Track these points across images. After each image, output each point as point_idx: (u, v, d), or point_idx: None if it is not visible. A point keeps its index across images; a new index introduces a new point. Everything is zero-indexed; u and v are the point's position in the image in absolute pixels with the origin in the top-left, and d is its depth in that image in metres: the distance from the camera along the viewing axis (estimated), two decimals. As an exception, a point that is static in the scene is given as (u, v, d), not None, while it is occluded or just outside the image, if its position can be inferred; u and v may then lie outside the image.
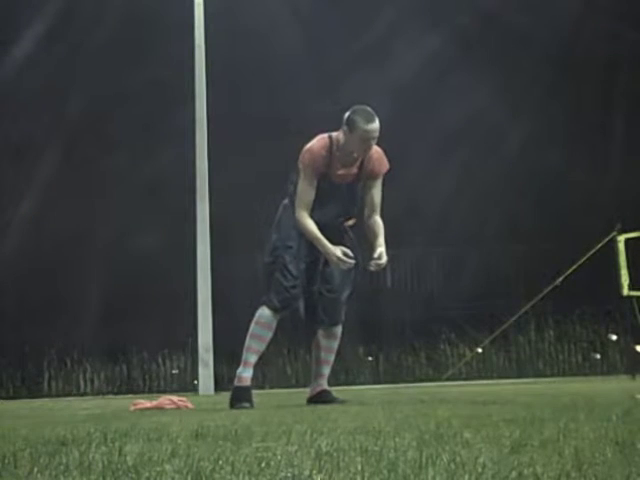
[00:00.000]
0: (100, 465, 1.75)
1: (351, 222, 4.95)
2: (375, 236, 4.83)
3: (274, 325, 4.78)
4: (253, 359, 4.77)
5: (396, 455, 1.77)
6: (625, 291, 11.03)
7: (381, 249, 4.73)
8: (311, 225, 4.70)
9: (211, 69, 11.84)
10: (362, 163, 4.79)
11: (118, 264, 14.84)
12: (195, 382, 12.13)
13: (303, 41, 15.38)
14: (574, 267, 12.01)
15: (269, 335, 4.79)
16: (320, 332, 4.95)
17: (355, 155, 4.71)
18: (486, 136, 16.24)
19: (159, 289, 14.49)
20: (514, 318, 13.20)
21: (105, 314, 14.22)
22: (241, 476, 1.57)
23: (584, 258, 11.93)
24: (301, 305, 4.81)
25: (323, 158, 4.72)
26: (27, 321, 14.51)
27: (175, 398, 5.34)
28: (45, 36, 15.03)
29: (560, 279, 12.07)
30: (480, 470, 1.53)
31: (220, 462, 1.73)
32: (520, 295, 13.68)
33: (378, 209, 4.90)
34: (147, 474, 1.60)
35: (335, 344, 4.99)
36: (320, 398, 4.93)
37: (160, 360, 14.52)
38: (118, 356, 14.58)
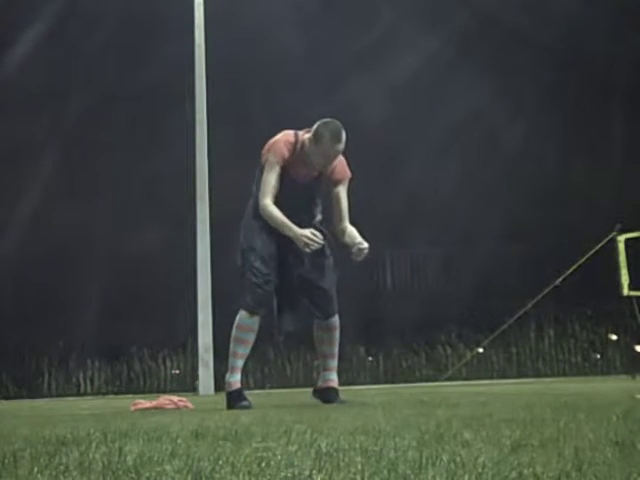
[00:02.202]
0: (100, 465, 1.75)
1: (319, 217, 4.96)
2: (351, 236, 4.89)
3: (255, 327, 4.78)
4: (240, 364, 4.82)
5: (396, 455, 1.77)
6: (625, 291, 11.03)
7: (359, 238, 4.84)
8: (276, 211, 4.73)
9: (211, 69, 11.84)
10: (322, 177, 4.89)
11: (118, 264, 14.84)
12: (195, 382, 12.14)
13: (303, 41, 15.38)
14: (574, 267, 12.01)
15: (251, 337, 4.80)
16: (317, 326, 4.95)
17: (315, 165, 4.77)
18: (486, 136, 16.24)
19: (159, 289, 14.49)
20: (514, 318, 13.20)
21: (105, 314, 14.22)
22: (241, 476, 1.57)
23: (584, 258, 11.93)
24: (275, 304, 4.78)
25: (288, 150, 4.79)
26: (27, 321, 14.51)
27: (175, 398, 5.34)
28: (45, 36, 15.03)
29: (560, 279, 12.07)
30: (480, 470, 1.53)
31: (220, 462, 1.73)
32: (520, 295, 13.68)
33: (346, 216, 4.94)
34: (147, 474, 1.60)
35: (334, 335, 4.97)
36: (324, 395, 4.96)
37: (160, 360, 14.52)
38: (118, 356, 14.58)
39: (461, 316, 14.69)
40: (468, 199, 16.27)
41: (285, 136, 4.85)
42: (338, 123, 4.75)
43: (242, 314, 4.78)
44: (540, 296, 12.54)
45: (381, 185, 16.04)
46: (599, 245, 11.66)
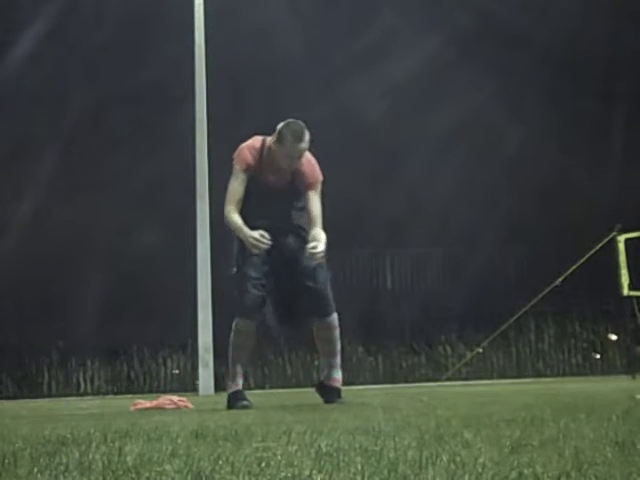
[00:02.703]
0: (100, 465, 1.75)
1: (301, 221, 4.93)
2: (312, 239, 4.74)
3: (251, 331, 4.80)
4: (239, 369, 4.86)
5: (396, 455, 1.77)
6: (625, 291, 11.03)
7: (316, 242, 4.66)
8: (234, 218, 4.75)
9: (211, 69, 11.83)
10: (294, 173, 4.83)
11: (118, 264, 14.83)
12: (195, 382, 12.13)
13: (303, 41, 15.38)
14: (574, 267, 12.01)
15: (248, 341, 4.84)
16: (316, 326, 4.95)
17: (281, 166, 4.77)
18: (486, 136, 16.24)
19: (159, 289, 14.49)
20: (514, 318, 13.20)
21: (105, 314, 14.21)
22: (241, 476, 1.57)
23: (584, 258, 11.93)
24: (268, 307, 4.79)
25: (252, 157, 4.82)
26: (27, 321, 14.51)
27: (175, 398, 5.35)
28: (45, 36, 15.03)
29: (560, 279, 12.07)
30: (480, 470, 1.53)
31: (220, 462, 1.73)
32: (520, 295, 13.67)
33: (318, 221, 4.84)
34: (147, 474, 1.60)
35: (333, 334, 4.96)
36: (326, 395, 4.98)
37: (160, 360, 14.51)
38: (118, 356, 14.57)
39: (461, 316, 14.69)
40: (468, 199, 16.27)
41: (251, 142, 4.89)
42: (300, 123, 4.77)
43: (237, 320, 4.82)
44: (540, 296, 12.53)
45: (381, 185, 16.04)
46: (599, 245, 11.66)
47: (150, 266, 14.33)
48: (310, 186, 4.85)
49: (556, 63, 16.47)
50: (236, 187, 4.81)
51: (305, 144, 4.74)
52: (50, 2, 14.97)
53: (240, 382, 4.84)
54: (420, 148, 15.81)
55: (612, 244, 11.28)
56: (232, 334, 4.84)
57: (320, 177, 4.91)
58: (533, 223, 15.69)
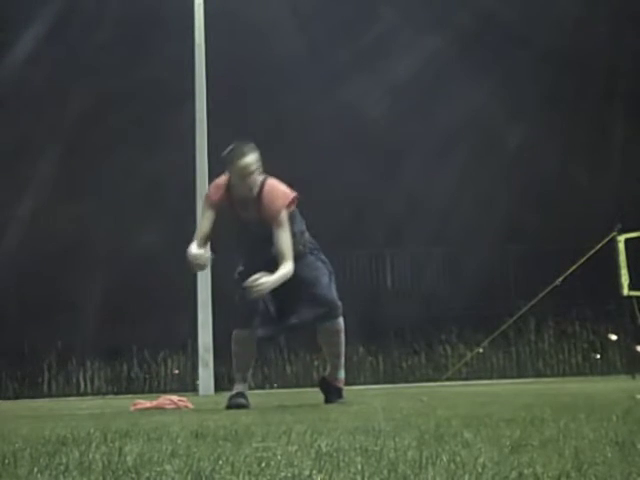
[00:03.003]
0: (100, 465, 1.75)
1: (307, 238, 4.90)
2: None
3: (250, 338, 4.79)
4: (240, 376, 4.89)
5: (396, 455, 1.77)
6: (625, 291, 11.03)
7: (262, 279, 4.48)
8: (189, 248, 4.68)
9: (211, 69, 11.84)
10: (257, 205, 4.69)
11: (118, 264, 14.84)
12: (195, 382, 12.13)
13: (303, 41, 15.38)
14: (574, 267, 12.01)
15: (248, 349, 4.85)
16: (319, 329, 4.94)
17: (241, 191, 4.67)
18: (486, 136, 16.24)
19: (159, 289, 14.48)
20: (514, 318, 13.20)
21: (105, 314, 14.22)
22: (241, 476, 1.57)
23: (584, 258, 11.93)
24: (264, 316, 4.72)
25: (215, 193, 4.79)
26: (27, 321, 14.51)
27: (175, 398, 5.35)
28: (45, 36, 15.03)
29: (560, 279, 12.07)
30: (480, 470, 1.53)
31: (220, 462, 1.73)
32: (520, 295, 13.67)
33: (285, 255, 4.61)
34: (147, 474, 1.60)
35: (336, 339, 4.93)
36: (328, 394, 5.00)
37: (160, 360, 14.51)
38: (118, 356, 14.58)
39: (461, 316, 14.69)
40: (468, 199, 16.27)
41: (218, 178, 4.88)
42: (245, 142, 4.70)
43: (236, 331, 4.84)
44: (540, 296, 12.54)
45: (381, 185, 16.04)
46: (599, 245, 11.66)
47: (150, 266, 14.33)
48: (271, 220, 4.65)
49: (557, 63, 16.47)
50: (201, 222, 4.82)
51: (248, 159, 4.61)
52: (50, 2, 14.98)
53: (241, 387, 4.85)
54: (420, 148, 15.81)
55: (612, 244, 11.28)
56: (232, 344, 4.86)
57: (278, 207, 4.66)
58: (533, 223, 15.69)
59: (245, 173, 4.61)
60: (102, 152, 15.80)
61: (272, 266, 4.57)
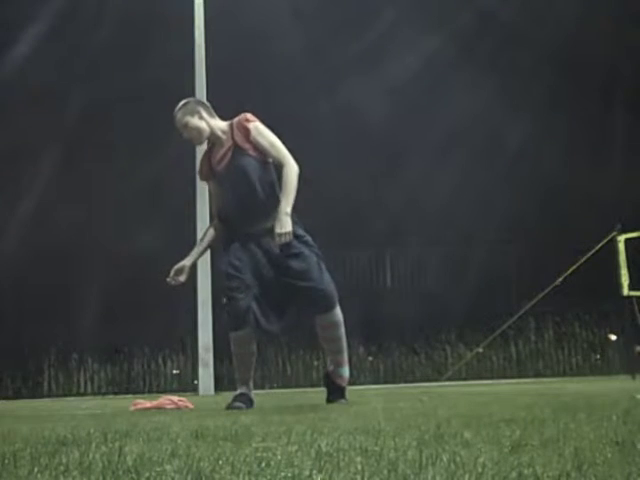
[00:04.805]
0: (100, 465, 1.74)
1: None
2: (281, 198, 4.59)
3: (247, 338, 4.66)
4: (240, 377, 4.80)
5: (396, 455, 1.77)
6: (625, 291, 11.03)
7: (276, 222, 4.48)
8: (206, 233, 4.96)
9: (211, 69, 11.84)
10: (233, 140, 4.76)
11: (118, 264, 14.84)
12: (195, 382, 12.13)
13: (303, 41, 15.38)
14: (574, 267, 12.02)
15: (246, 349, 4.71)
16: (317, 325, 4.74)
17: (197, 138, 4.87)
18: (486, 136, 16.25)
19: (159, 289, 14.46)
20: (514, 318, 13.20)
21: (105, 314, 14.22)
22: (241, 476, 1.57)
23: (584, 258, 11.93)
24: (256, 313, 4.59)
25: (200, 164, 4.95)
26: (27, 321, 14.51)
27: (175, 398, 5.34)
28: (45, 36, 15.03)
29: (560, 279, 12.07)
30: (480, 470, 1.53)
31: (220, 462, 1.73)
32: (520, 295, 13.68)
33: (280, 156, 4.65)
34: (147, 474, 1.60)
35: (334, 332, 4.72)
36: (331, 393, 4.87)
37: (160, 360, 14.52)
38: (118, 356, 14.58)
39: (461, 316, 14.69)
40: (468, 199, 16.28)
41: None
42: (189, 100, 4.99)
43: (230, 333, 4.76)
44: (540, 296, 12.54)
45: (381, 185, 16.04)
46: (599, 245, 11.66)
47: (150, 266, 14.31)
48: (247, 130, 4.73)
49: (557, 62, 16.48)
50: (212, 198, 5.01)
51: (179, 112, 4.83)
52: (50, 2, 14.97)
53: (244, 388, 4.76)
54: (420, 147, 15.81)
55: (612, 244, 11.28)
56: (231, 344, 4.76)
57: (251, 119, 4.76)
58: (533, 223, 15.70)
59: (181, 122, 4.83)
60: (101, 152, 15.81)
61: (265, 220, 4.57)
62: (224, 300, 4.70)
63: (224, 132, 4.80)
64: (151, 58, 14.85)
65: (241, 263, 4.61)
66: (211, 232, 4.91)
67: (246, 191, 4.65)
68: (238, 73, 15.44)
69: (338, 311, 4.69)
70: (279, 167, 4.66)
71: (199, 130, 4.81)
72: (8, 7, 14.83)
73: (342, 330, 4.76)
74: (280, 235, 4.46)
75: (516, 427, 2.34)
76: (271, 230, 4.52)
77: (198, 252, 4.95)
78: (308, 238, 4.69)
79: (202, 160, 4.91)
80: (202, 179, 4.98)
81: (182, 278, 4.85)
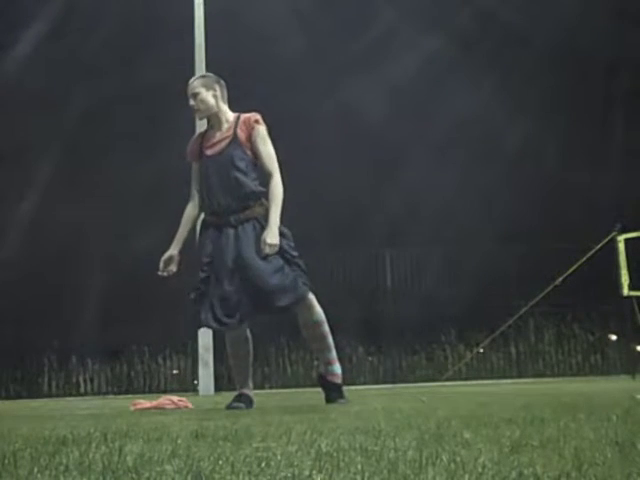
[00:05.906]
0: (100, 465, 1.74)
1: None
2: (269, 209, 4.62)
3: (242, 336, 4.71)
4: (238, 377, 4.84)
5: (396, 455, 1.77)
6: (625, 291, 11.03)
7: (267, 232, 4.52)
8: (184, 215, 5.02)
9: (211, 69, 11.83)
10: (235, 131, 4.79)
11: (118, 264, 14.84)
12: (195, 382, 12.12)
13: (303, 41, 15.38)
14: (574, 267, 12.02)
15: (243, 349, 4.75)
16: (300, 324, 4.72)
17: (198, 116, 4.93)
18: (486, 136, 16.25)
19: (159, 289, 14.47)
20: (514, 318, 13.20)
21: (105, 314, 14.21)
22: (241, 476, 1.56)
23: (584, 258, 11.93)
24: (217, 311, 4.57)
25: (191, 143, 4.95)
26: (27, 321, 14.50)
27: (175, 398, 5.35)
28: (45, 36, 15.03)
29: (560, 279, 12.08)
30: (480, 470, 1.53)
31: (220, 462, 1.73)
32: (520, 295, 13.67)
33: (271, 168, 4.70)
34: (147, 474, 1.60)
35: (316, 331, 4.70)
36: (327, 393, 4.84)
37: (160, 360, 14.51)
38: (118, 356, 14.57)
39: (461, 316, 14.68)
40: (468, 199, 16.28)
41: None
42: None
43: (227, 333, 4.79)
44: (540, 296, 12.54)
45: (381, 184, 16.04)
46: (599, 245, 11.66)
47: (150, 266, 14.32)
48: (250, 127, 4.76)
49: (557, 63, 16.48)
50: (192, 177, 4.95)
51: (202, 81, 4.88)
52: (51, 2, 14.98)
53: (244, 389, 4.78)
54: (420, 148, 15.81)
55: (612, 244, 11.28)
56: (227, 345, 4.83)
57: (257, 117, 4.79)
58: (533, 223, 15.69)
59: (191, 94, 4.84)
60: (102, 152, 15.81)
61: (238, 210, 4.61)
62: (193, 296, 4.77)
63: (228, 120, 4.85)
64: (151, 58, 14.85)
65: (209, 259, 4.71)
66: (190, 212, 4.97)
67: (229, 180, 4.71)
68: (238, 73, 15.43)
69: (318, 310, 4.72)
70: (267, 176, 4.72)
71: (207, 105, 4.85)
72: (8, 7, 14.84)
73: (325, 328, 4.75)
74: (269, 245, 4.53)
75: (516, 427, 2.34)
76: (244, 220, 4.64)
77: (182, 237, 5.01)
78: (285, 244, 4.63)
79: (194, 140, 4.95)
80: (189, 159, 4.94)
81: (173, 268, 4.89)
